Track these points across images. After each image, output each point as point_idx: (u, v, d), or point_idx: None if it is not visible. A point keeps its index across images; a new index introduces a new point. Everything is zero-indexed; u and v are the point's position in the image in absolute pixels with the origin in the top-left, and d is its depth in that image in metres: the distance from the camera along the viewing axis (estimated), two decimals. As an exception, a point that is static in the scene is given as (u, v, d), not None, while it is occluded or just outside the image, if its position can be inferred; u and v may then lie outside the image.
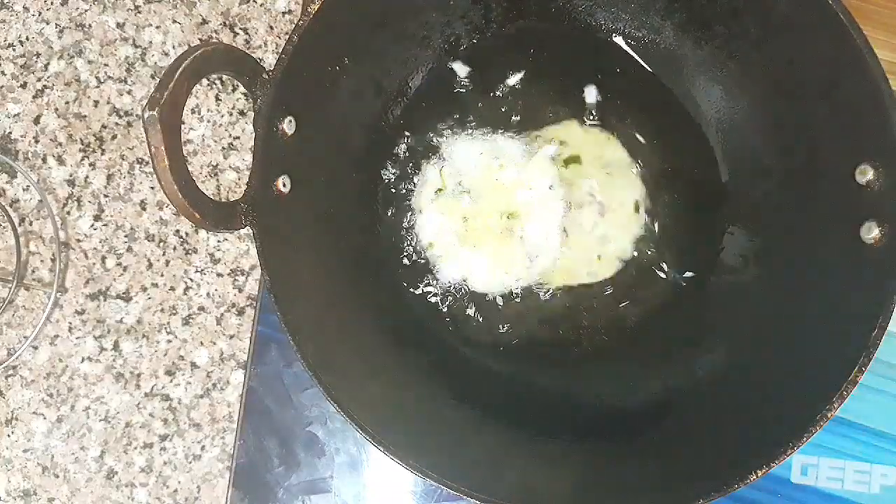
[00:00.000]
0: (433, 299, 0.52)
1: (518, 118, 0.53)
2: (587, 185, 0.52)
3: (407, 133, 0.53)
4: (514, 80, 0.54)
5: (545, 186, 0.51)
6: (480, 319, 0.52)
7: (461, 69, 0.54)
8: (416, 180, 0.53)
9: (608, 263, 0.52)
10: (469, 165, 0.52)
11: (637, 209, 0.52)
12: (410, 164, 0.53)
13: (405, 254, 0.53)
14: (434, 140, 0.53)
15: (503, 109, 0.53)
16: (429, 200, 0.53)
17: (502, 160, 0.52)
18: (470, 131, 0.53)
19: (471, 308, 0.52)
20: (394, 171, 0.53)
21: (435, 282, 0.52)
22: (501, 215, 0.52)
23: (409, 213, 0.53)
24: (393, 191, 0.53)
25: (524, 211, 0.52)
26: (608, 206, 0.52)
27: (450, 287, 0.52)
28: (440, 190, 0.52)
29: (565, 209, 0.52)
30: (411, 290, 0.52)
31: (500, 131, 0.53)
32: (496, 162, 0.52)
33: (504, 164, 0.52)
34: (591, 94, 0.53)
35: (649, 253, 0.52)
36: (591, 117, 0.52)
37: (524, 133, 0.53)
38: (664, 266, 0.52)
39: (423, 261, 0.53)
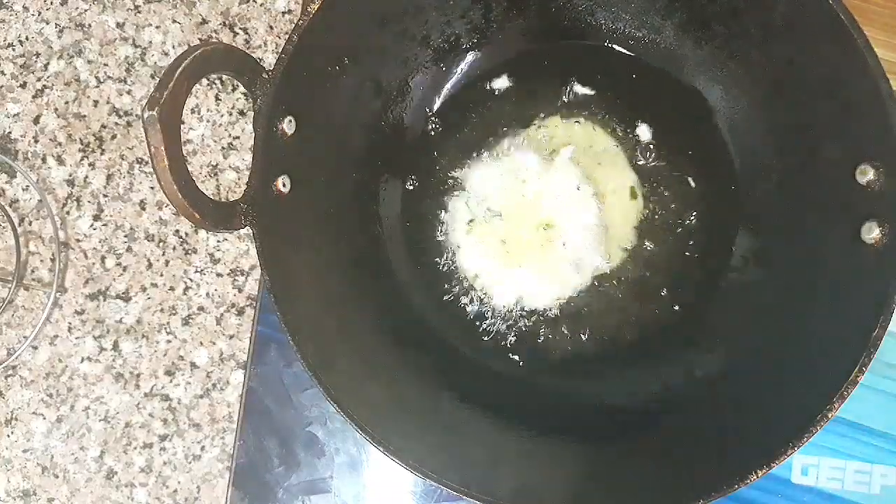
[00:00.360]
0: (492, 330, 0.52)
1: (505, 122, 0.53)
2: (581, 177, 0.52)
3: (416, 173, 0.54)
4: (497, 84, 0.54)
5: (573, 188, 0.51)
6: (544, 338, 0.52)
7: (502, 82, 0.54)
8: (443, 218, 0.53)
9: (612, 253, 0.52)
10: (492, 189, 0.52)
11: (633, 196, 0.52)
12: (432, 206, 0.53)
13: (449, 299, 0.52)
14: (452, 175, 0.53)
15: (490, 116, 0.53)
16: (463, 234, 0.52)
17: (523, 175, 0.52)
18: (483, 155, 0.53)
19: (544, 330, 0.52)
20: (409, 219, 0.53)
21: (490, 313, 0.52)
22: (538, 228, 0.51)
23: (449, 262, 0.53)
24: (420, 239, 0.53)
25: (559, 218, 0.51)
26: (604, 195, 0.52)
27: (507, 312, 0.52)
28: (471, 221, 0.52)
29: (599, 206, 0.51)
30: (476, 337, 0.52)
31: (491, 139, 0.53)
32: (518, 178, 0.52)
33: (526, 179, 0.52)
34: (644, 133, 0.52)
35: (648, 245, 0.52)
36: (647, 156, 0.52)
37: (513, 135, 0.53)
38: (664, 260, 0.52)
39: (471, 295, 0.52)
